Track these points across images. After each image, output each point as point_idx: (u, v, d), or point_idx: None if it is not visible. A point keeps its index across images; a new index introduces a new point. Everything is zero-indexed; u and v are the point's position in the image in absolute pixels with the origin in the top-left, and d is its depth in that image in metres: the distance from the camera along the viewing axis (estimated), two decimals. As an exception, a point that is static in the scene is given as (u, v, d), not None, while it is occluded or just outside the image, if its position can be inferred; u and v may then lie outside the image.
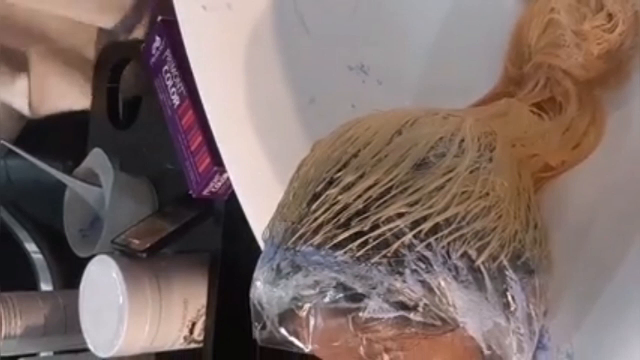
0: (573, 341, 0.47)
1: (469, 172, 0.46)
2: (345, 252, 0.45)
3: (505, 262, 0.46)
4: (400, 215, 0.45)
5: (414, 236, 0.44)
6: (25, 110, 0.95)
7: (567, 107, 0.54)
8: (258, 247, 0.50)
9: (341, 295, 0.44)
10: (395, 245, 0.44)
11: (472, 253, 0.45)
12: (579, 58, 0.54)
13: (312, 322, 0.45)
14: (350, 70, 0.65)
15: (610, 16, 0.54)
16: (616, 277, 0.47)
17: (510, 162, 0.49)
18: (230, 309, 0.81)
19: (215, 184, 0.78)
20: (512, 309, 0.46)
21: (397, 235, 0.44)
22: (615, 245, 0.48)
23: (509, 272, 0.46)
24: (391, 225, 0.44)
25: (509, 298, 0.46)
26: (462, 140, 0.48)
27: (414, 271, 0.44)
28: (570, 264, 0.49)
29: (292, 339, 0.46)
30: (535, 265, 0.47)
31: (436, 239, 0.44)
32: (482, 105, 0.56)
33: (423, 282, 0.44)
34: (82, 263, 0.85)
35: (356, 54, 0.65)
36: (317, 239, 0.45)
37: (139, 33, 0.92)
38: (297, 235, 0.46)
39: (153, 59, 0.85)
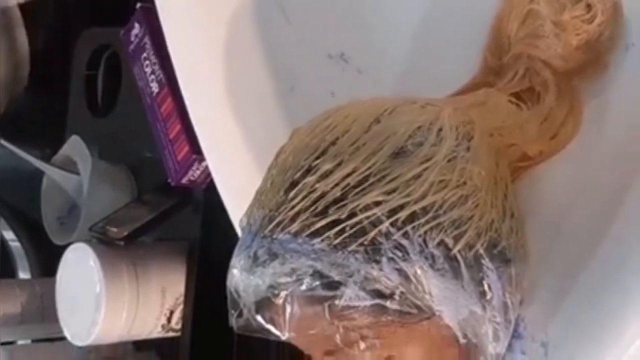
0: (548, 330, 0.48)
1: (446, 161, 0.47)
2: (322, 240, 0.45)
3: (481, 251, 0.46)
4: (377, 203, 0.45)
5: (391, 224, 0.44)
6: None
7: (545, 97, 0.54)
8: (236, 236, 0.50)
9: (318, 283, 0.45)
10: (372, 234, 0.44)
11: (449, 241, 0.45)
12: (558, 49, 0.54)
13: (288, 309, 0.45)
14: (331, 59, 0.64)
15: (589, 7, 0.54)
16: (591, 266, 0.47)
17: (488, 152, 0.49)
18: (208, 297, 0.80)
19: (194, 172, 0.77)
20: (488, 297, 0.46)
21: (374, 224, 0.45)
22: (591, 235, 0.48)
23: (486, 261, 0.46)
24: (368, 213, 0.45)
25: (485, 287, 0.46)
26: (440, 129, 0.48)
27: (390, 259, 0.44)
28: (546, 254, 0.50)
29: (269, 326, 0.46)
30: (512, 254, 0.48)
31: (413, 228, 0.45)
32: (461, 95, 0.56)
33: (400, 270, 0.44)
34: (60, 251, 0.84)
35: (336, 43, 0.65)
36: (295, 226, 0.45)
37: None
38: (274, 222, 0.46)
39: (132, 46, 0.84)
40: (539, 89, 0.55)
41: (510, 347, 0.48)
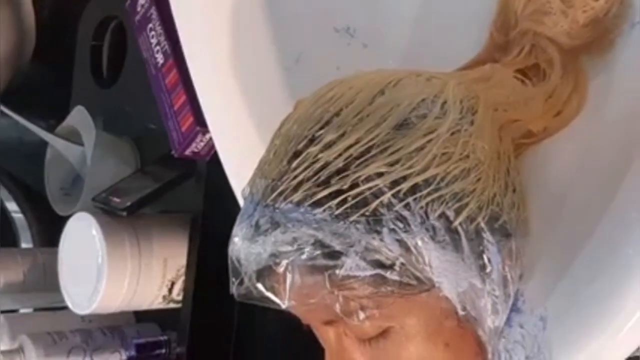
0: (547, 304, 0.48)
1: (449, 134, 0.47)
2: (324, 210, 0.45)
3: (482, 224, 0.46)
4: (379, 174, 0.45)
5: (393, 196, 0.45)
6: None
7: (550, 74, 0.54)
8: (238, 207, 0.50)
9: (319, 252, 0.45)
10: (374, 205, 0.45)
11: (450, 214, 0.45)
12: (564, 26, 0.54)
13: (289, 278, 0.45)
14: (336, 32, 0.64)
15: (597, -17, 0.54)
16: (591, 243, 0.47)
17: (492, 126, 0.49)
18: (209, 270, 0.81)
19: (198, 144, 0.78)
20: (487, 270, 0.46)
21: (376, 195, 0.45)
22: (592, 212, 0.48)
23: (486, 235, 0.46)
24: (370, 184, 0.45)
25: (485, 260, 0.46)
26: (445, 102, 0.48)
27: (391, 230, 0.44)
28: (546, 229, 0.50)
29: (269, 295, 0.46)
30: (513, 228, 0.48)
31: (415, 199, 0.45)
32: (467, 69, 0.56)
33: (400, 242, 0.45)
34: (63, 222, 0.85)
35: (343, 17, 0.65)
36: (297, 196, 0.45)
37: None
38: (276, 192, 0.46)
39: (138, 17, 0.84)
40: (545, 65, 0.55)
41: (508, 320, 0.48)
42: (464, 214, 0.45)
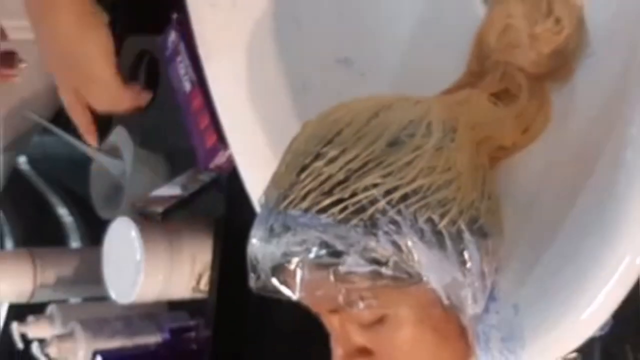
0: (519, 293, 0.48)
1: (434, 150, 0.47)
2: (328, 216, 0.45)
3: (463, 226, 0.46)
4: (375, 185, 0.45)
5: (387, 203, 0.45)
6: None
7: (519, 97, 0.54)
8: (255, 213, 0.50)
9: (324, 252, 0.45)
10: (370, 211, 0.45)
11: (436, 218, 0.45)
12: (531, 56, 0.54)
13: (299, 274, 0.45)
14: (337, 63, 0.64)
15: (558, 20, 0.54)
16: (556, 241, 0.47)
17: (470, 143, 0.49)
18: (231, 265, 0.81)
19: (220, 159, 0.77)
20: (468, 266, 0.46)
21: (373, 202, 0.45)
22: (557, 215, 0.48)
23: (466, 235, 0.46)
24: (367, 193, 0.45)
25: (466, 257, 0.46)
26: (430, 123, 0.48)
27: (386, 233, 0.44)
28: (518, 229, 0.50)
29: (282, 288, 0.47)
30: (489, 229, 0.48)
31: (405, 206, 0.45)
32: (448, 94, 0.56)
33: (393, 242, 0.45)
34: (106, 224, 0.85)
35: (342, 49, 0.65)
36: (305, 204, 0.46)
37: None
38: (287, 200, 0.46)
39: (168, 51, 0.84)
40: (514, 90, 0.54)
41: (486, 308, 0.48)
42: (447, 218, 0.45)
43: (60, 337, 0.83)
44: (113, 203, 0.93)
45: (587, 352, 0.49)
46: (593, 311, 0.44)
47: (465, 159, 0.48)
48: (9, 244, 1.06)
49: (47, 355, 0.82)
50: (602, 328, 0.45)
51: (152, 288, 0.79)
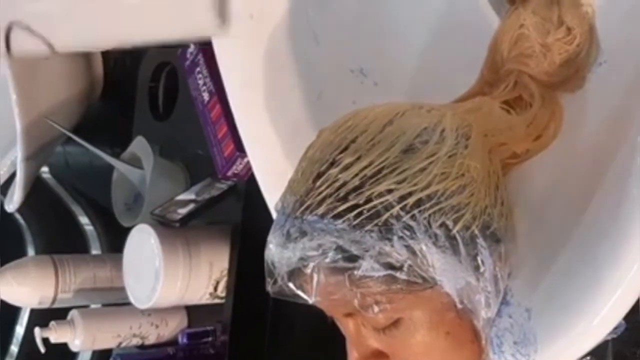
0: (531, 298, 0.47)
1: (447, 157, 0.47)
2: (343, 221, 0.45)
3: (476, 232, 0.46)
4: (390, 191, 0.45)
5: (401, 209, 0.45)
6: None
7: (531, 105, 0.54)
8: (272, 220, 0.50)
9: (340, 256, 0.45)
10: (385, 216, 0.45)
11: (449, 223, 0.45)
12: (544, 66, 0.54)
13: (315, 278, 0.46)
14: (352, 73, 0.64)
15: (569, 30, 0.53)
16: (568, 246, 0.47)
17: (483, 149, 0.49)
18: (248, 271, 0.81)
19: (238, 167, 0.78)
20: (481, 270, 0.46)
21: (387, 208, 0.45)
22: (568, 221, 0.48)
23: (480, 240, 0.46)
24: (382, 199, 0.45)
25: (479, 261, 0.46)
26: (443, 130, 0.48)
27: (400, 238, 0.44)
28: (530, 235, 0.50)
29: (299, 292, 0.47)
30: (502, 235, 0.48)
31: (419, 211, 0.45)
32: (461, 102, 0.56)
33: (408, 247, 0.45)
34: (126, 232, 0.85)
35: (356, 60, 0.65)
36: (321, 209, 0.46)
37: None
38: (304, 206, 0.46)
39: (187, 62, 0.85)
40: (527, 98, 0.54)
41: (499, 312, 0.48)
42: (461, 223, 0.45)
43: (82, 339, 0.83)
44: (133, 211, 0.93)
45: (600, 355, 0.49)
46: (605, 316, 0.44)
47: (479, 165, 0.47)
48: (31, 252, 1.07)
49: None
50: (614, 331, 0.45)
51: (171, 293, 0.79)
